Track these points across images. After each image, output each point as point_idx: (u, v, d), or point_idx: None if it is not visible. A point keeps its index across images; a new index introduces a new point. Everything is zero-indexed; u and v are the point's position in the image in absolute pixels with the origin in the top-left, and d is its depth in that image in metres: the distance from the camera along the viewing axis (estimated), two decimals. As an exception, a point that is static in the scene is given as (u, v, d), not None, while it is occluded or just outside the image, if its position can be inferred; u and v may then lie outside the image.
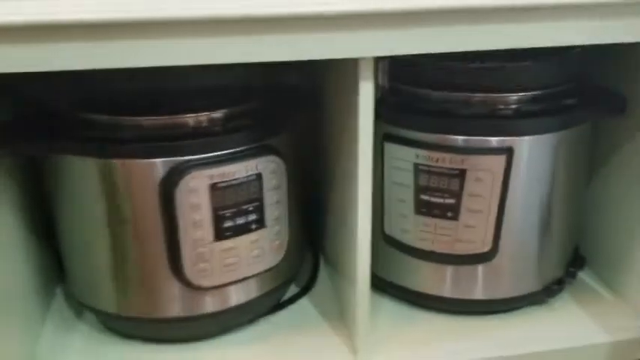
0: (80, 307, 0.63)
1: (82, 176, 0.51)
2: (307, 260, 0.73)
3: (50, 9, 0.40)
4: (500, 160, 0.54)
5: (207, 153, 0.51)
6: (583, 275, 0.69)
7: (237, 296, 0.58)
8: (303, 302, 0.67)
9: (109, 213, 0.52)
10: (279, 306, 0.65)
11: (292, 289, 0.68)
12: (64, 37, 0.40)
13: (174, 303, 0.56)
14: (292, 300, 0.67)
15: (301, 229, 0.64)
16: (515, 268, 0.60)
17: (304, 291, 0.68)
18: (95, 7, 0.40)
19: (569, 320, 0.62)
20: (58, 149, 0.51)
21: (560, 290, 0.64)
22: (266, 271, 0.58)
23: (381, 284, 0.64)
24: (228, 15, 0.40)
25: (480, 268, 0.59)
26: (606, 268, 0.68)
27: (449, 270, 0.60)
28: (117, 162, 0.50)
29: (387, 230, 0.60)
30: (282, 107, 0.58)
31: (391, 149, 0.57)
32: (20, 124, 0.54)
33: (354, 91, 0.47)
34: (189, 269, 0.53)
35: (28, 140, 0.51)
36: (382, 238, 0.61)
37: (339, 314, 0.64)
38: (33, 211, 0.60)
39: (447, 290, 0.61)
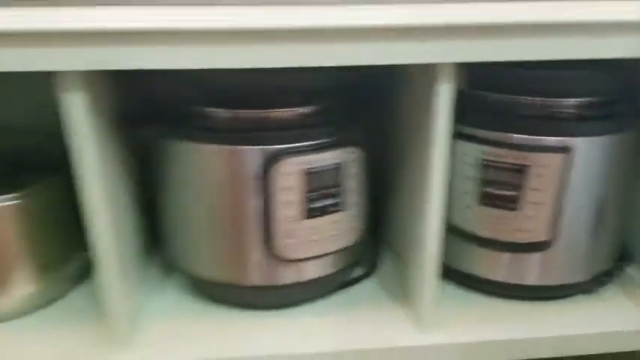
0: (175, 271, 0.72)
1: (194, 159, 0.60)
2: (370, 244, 0.80)
3: (176, 17, 0.48)
4: (559, 158, 0.60)
5: (300, 142, 0.59)
6: (631, 271, 0.74)
7: (315, 270, 0.65)
8: (368, 283, 0.74)
9: (213, 191, 0.60)
10: (347, 283, 0.72)
11: (357, 271, 0.75)
12: (184, 41, 0.48)
13: (261, 272, 0.63)
14: (358, 280, 0.74)
15: (370, 214, 0.71)
16: (568, 258, 0.65)
17: (369, 272, 0.75)
18: (211, 17, 0.47)
19: (616, 308, 0.68)
20: (179, 136, 0.59)
21: (608, 281, 0.69)
22: (341, 249, 0.66)
23: (442, 269, 0.70)
24: (336, 25, 0.47)
25: (537, 256, 0.65)
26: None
27: (507, 257, 0.66)
28: (224, 148, 0.58)
29: (452, 220, 0.67)
30: (361, 105, 0.65)
31: (459, 146, 0.63)
32: (150, 114, 0.63)
33: (432, 92, 0.54)
34: (278, 243, 0.61)
35: (157, 127, 0.60)
36: (446, 227, 0.67)
37: (402, 294, 0.71)
38: (139, 185, 0.69)
39: (505, 276, 0.67)
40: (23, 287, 0.66)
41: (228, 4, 0.49)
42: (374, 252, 0.79)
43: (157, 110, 0.62)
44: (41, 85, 0.77)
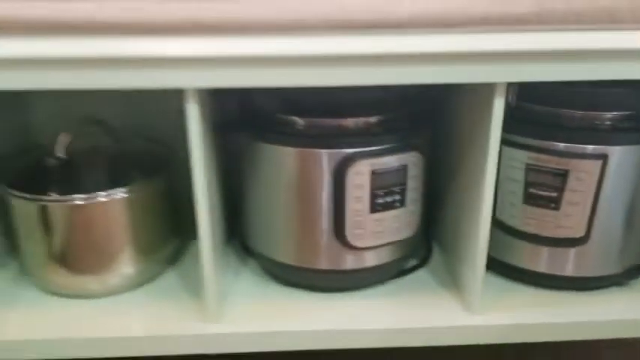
0: (251, 257, 0.83)
1: (279, 160, 0.71)
2: (424, 239, 0.89)
3: (270, 45, 0.58)
4: (596, 165, 0.69)
5: (369, 147, 0.69)
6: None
7: (377, 258, 0.75)
8: (421, 272, 0.84)
9: (294, 187, 0.71)
10: (403, 272, 0.82)
11: (412, 262, 0.85)
12: (276, 64, 0.58)
13: (330, 258, 0.74)
14: (413, 269, 0.84)
15: (426, 211, 0.80)
16: (601, 252, 0.74)
17: (422, 263, 0.85)
18: (298, 45, 0.58)
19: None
20: (268, 140, 0.70)
21: (638, 275, 0.77)
22: (400, 241, 0.75)
23: (488, 261, 0.79)
24: (411, 51, 0.57)
25: (574, 251, 0.74)
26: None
27: (548, 251, 0.75)
28: (306, 150, 0.69)
29: (498, 216, 0.76)
30: (423, 114, 0.75)
31: (507, 151, 0.72)
32: (243, 122, 0.74)
33: (487, 107, 0.64)
34: (348, 232, 0.71)
35: (249, 132, 0.71)
36: (493, 223, 0.76)
37: (451, 282, 0.80)
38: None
39: (544, 267, 0.76)
40: (127, 267, 0.78)
41: (310, 35, 0.59)
42: (427, 246, 0.89)
43: (248, 119, 0.73)
44: (153, 103, 0.91)
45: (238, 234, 0.87)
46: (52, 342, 0.71)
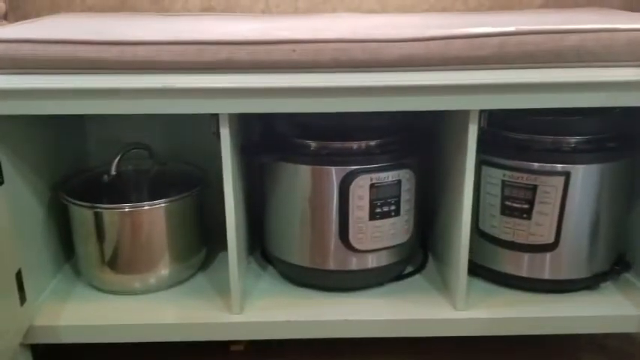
0: (271, 260, 0.96)
1: (294, 176, 0.85)
2: (420, 249, 1.02)
3: (289, 79, 0.73)
4: (561, 180, 0.82)
5: (370, 165, 0.83)
6: (630, 277, 0.93)
7: (377, 260, 0.88)
8: (417, 277, 0.96)
9: (306, 198, 0.85)
10: (400, 277, 0.95)
11: (408, 269, 0.97)
12: (292, 94, 0.73)
13: (337, 260, 0.87)
14: (408, 275, 0.96)
15: (420, 221, 0.93)
16: (571, 257, 0.86)
17: (418, 270, 0.97)
18: (309, 80, 0.73)
19: (610, 301, 0.87)
20: (287, 159, 0.85)
21: (605, 280, 0.89)
22: (396, 245, 0.88)
23: (472, 266, 0.91)
24: (400, 84, 0.72)
25: (546, 256, 0.86)
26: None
27: (524, 256, 0.87)
28: (316, 167, 0.83)
29: (481, 226, 0.89)
30: (414, 139, 0.89)
31: (487, 170, 0.86)
32: (265, 144, 0.89)
33: (464, 131, 0.77)
34: (352, 237, 0.85)
35: (269, 153, 0.86)
36: (476, 233, 0.89)
37: (442, 285, 0.92)
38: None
39: (522, 271, 0.88)
40: (164, 269, 0.92)
41: (321, 71, 0.74)
42: (424, 254, 1.01)
43: (270, 142, 0.88)
44: (188, 130, 1.07)
45: (259, 246, 1.01)
46: (101, 327, 0.84)
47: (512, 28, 0.71)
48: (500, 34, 0.71)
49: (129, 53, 0.71)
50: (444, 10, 1.14)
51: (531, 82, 0.71)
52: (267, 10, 1.14)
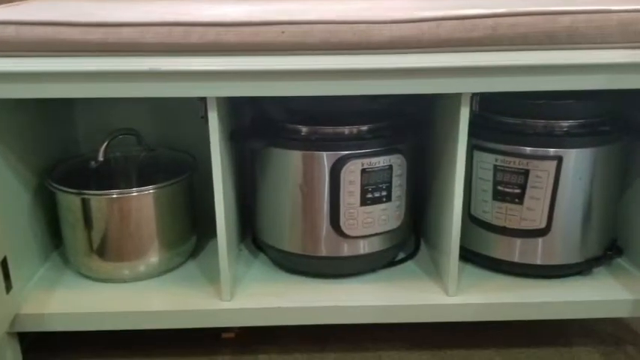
0: (262, 246, 0.95)
1: (285, 161, 0.84)
2: (412, 235, 1.01)
3: (281, 62, 0.72)
4: (553, 165, 0.81)
5: (361, 150, 0.82)
6: (622, 262, 0.93)
7: (368, 246, 0.88)
8: (410, 263, 0.95)
9: (297, 184, 0.84)
10: (391, 263, 0.94)
11: (401, 255, 0.97)
12: (276, 78, 0.72)
13: (328, 246, 0.86)
14: (402, 261, 0.95)
15: (412, 207, 0.92)
16: (563, 242, 0.85)
17: (410, 256, 0.97)
18: (299, 62, 0.71)
19: (602, 285, 0.87)
20: (275, 145, 0.84)
21: (597, 265, 0.88)
22: (388, 231, 0.88)
23: (464, 252, 0.90)
24: (391, 67, 0.71)
25: (539, 241, 0.85)
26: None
27: (516, 241, 0.86)
28: (307, 153, 0.82)
29: (472, 212, 0.88)
30: (405, 124, 0.88)
31: (478, 155, 0.85)
32: (255, 130, 0.87)
33: (456, 115, 0.77)
34: (343, 223, 0.84)
35: (259, 139, 0.85)
36: (468, 218, 0.88)
37: (434, 271, 0.91)
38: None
39: (514, 256, 0.87)
40: (153, 256, 0.91)
41: (315, 54, 0.73)
42: (416, 241, 1.01)
43: (260, 128, 0.87)
44: (176, 116, 1.05)
45: (251, 233, 1.00)
46: (90, 315, 0.83)
47: (503, 10, 0.70)
48: (492, 15, 0.70)
49: (113, 35, 0.69)
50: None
51: (524, 64, 0.70)
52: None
